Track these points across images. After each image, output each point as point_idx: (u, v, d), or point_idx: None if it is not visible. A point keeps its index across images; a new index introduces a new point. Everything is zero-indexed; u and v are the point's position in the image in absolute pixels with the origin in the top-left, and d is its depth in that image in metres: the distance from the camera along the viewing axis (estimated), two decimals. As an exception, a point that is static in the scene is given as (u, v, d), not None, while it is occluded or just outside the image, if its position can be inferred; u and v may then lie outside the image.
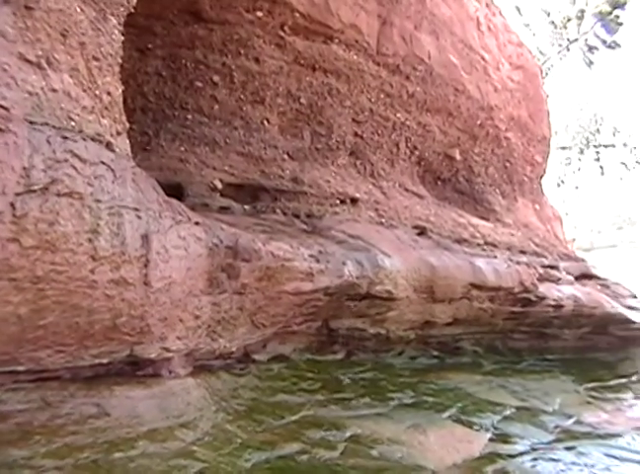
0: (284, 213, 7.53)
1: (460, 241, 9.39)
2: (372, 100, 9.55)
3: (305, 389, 5.95)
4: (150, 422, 4.28)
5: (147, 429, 4.20)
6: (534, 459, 5.89)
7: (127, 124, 4.82)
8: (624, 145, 34.21)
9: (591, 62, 31.80)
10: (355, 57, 9.08)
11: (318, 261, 6.22)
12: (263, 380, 5.75)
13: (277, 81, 8.25)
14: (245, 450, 4.47)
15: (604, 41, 30.71)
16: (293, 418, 5.27)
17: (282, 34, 8.16)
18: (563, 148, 35.64)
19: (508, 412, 7.03)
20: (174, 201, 4.95)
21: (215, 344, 5.24)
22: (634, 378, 10.21)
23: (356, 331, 7.06)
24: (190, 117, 7.59)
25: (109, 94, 4.52)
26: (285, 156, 8.15)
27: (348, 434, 5.24)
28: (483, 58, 12.26)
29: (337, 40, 8.79)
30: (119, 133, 4.57)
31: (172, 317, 4.58)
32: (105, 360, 4.19)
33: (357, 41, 9.07)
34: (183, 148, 7.31)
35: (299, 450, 4.75)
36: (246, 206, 7.30)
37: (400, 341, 7.65)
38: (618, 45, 30.75)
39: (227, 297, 5.24)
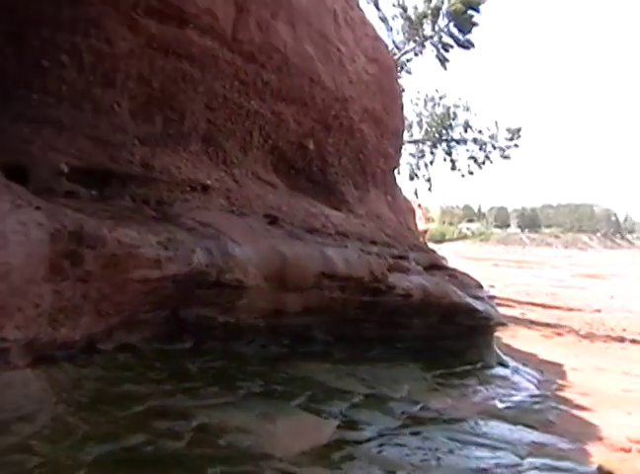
0: (134, 200, 7.35)
1: (312, 231, 9.46)
2: (226, 87, 9.47)
3: (152, 379, 5.88)
4: (-16, 416, 4.12)
5: (-20, 423, 4.05)
6: (381, 445, 6.09)
7: (-37, 103, 4.59)
8: (474, 141, 35.51)
9: (445, 59, 32.75)
10: (209, 43, 8.96)
11: (166, 248, 6.10)
12: (108, 370, 5.64)
13: (128, 64, 8.02)
14: (87, 443, 4.38)
15: (458, 40, 31.67)
16: (139, 408, 5.20)
17: (135, 15, 7.93)
18: (416, 142, 36.65)
19: (356, 399, 7.21)
20: (14, 185, 4.76)
21: (57, 333, 5.07)
22: (479, 365, 10.71)
23: (205, 319, 7.01)
24: (35, 96, 7.26)
25: (-59, 69, 4.30)
26: (136, 141, 7.94)
27: (195, 424, 5.24)
28: (339, 50, 12.39)
29: (192, 25, 8.63)
30: (-48, 112, 4.35)
31: (10, 305, 4.40)
32: None
33: (212, 27, 8.95)
34: (27, 129, 6.97)
35: (145, 441, 4.72)
36: (94, 192, 7.06)
37: (250, 329, 7.65)
38: (472, 45, 31.77)
39: (70, 285, 5.07)
